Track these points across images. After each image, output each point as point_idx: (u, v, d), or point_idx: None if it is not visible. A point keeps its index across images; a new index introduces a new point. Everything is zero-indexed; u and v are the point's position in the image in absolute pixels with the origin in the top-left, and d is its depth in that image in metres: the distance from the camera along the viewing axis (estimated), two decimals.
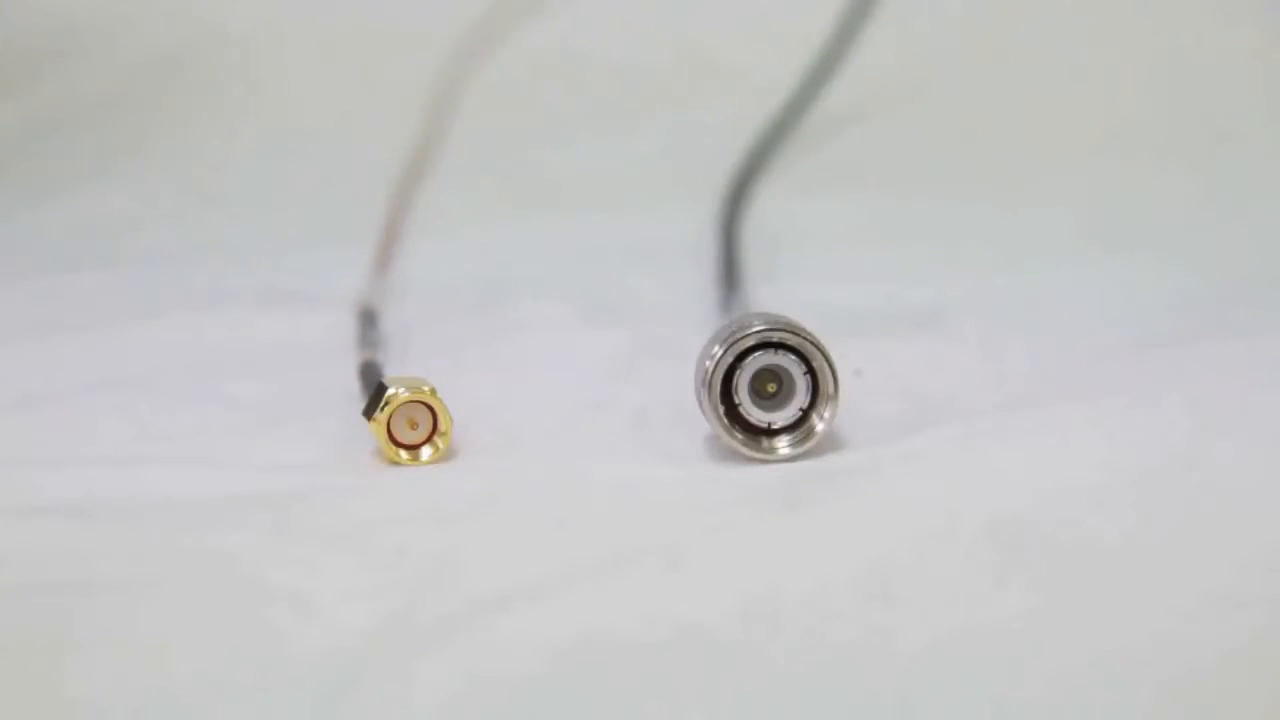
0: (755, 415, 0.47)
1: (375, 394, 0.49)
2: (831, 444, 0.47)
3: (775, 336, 0.47)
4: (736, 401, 0.47)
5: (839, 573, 0.40)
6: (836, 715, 0.36)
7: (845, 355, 0.47)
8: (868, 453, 0.47)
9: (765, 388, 0.47)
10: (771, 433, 0.47)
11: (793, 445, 0.47)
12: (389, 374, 0.51)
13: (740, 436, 0.47)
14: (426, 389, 0.48)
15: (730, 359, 0.47)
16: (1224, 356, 0.52)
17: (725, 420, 0.47)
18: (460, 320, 0.62)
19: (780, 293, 0.59)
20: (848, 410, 0.47)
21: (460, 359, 0.57)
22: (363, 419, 0.49)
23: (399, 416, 0.48)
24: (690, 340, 0.49)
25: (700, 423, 0.48)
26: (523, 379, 0.56)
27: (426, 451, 0.48)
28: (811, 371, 0.47)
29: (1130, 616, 0.38)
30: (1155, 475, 0.43)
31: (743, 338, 0.47)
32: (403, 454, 0.48)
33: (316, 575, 0.41)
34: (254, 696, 0.37)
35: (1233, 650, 0.37)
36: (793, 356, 0.47)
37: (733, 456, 0.47)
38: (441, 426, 0.48)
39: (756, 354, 0.47)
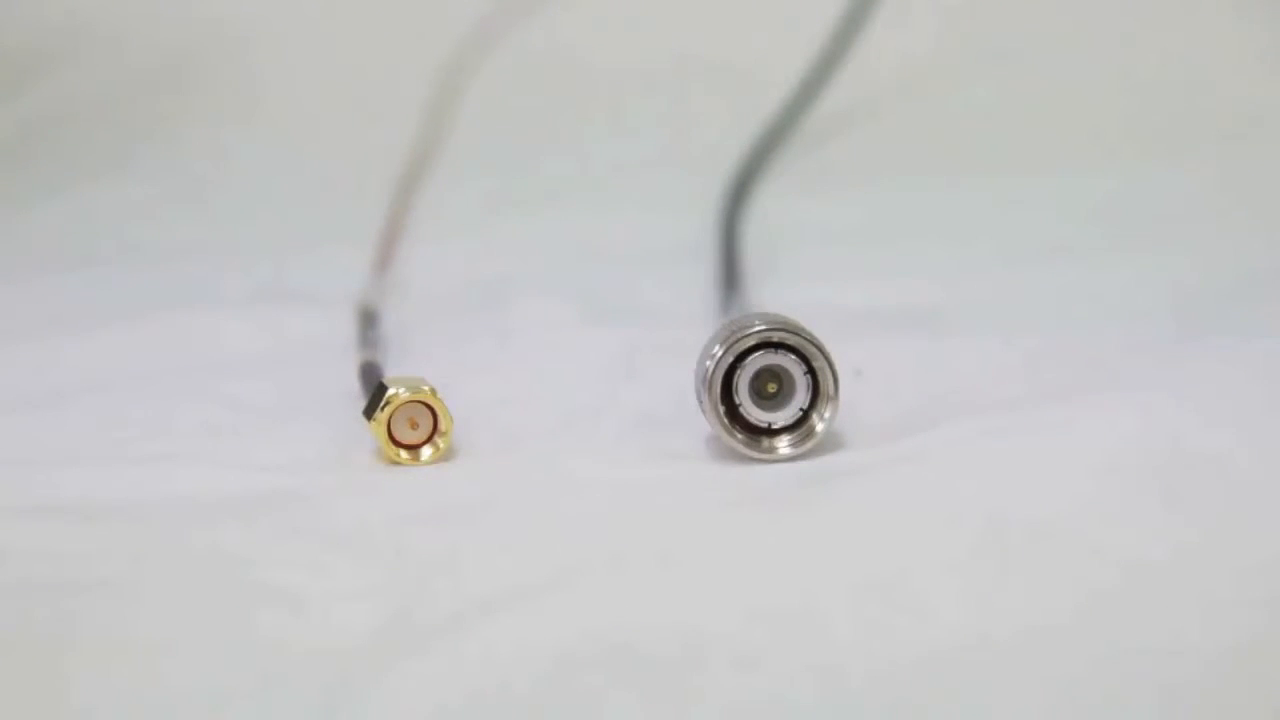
0: (755, 415, 0.47)
1: (375, 394, 0.49)
2: (832, 444, 0.47)
3: (775, 336, 0.47)
4: (737, 401, 0.47)
5: (839, 573, 0.40)
6: (835, 717, 0.36)
7: (845, 355, 0.47)
8: (868, 453, 0.47)
9: (765, 388, 0.47)
10: (772, 433, 0.47)
11: (793, 445, 0.47)
12: (389, 374, 0.51)
13: (740, 436, 0.47)
14: (426, 389, 0.48)
15: (730, 359, 0.47)
16: (1225, 355, 0.52)
17: (725, 420, 0.47)
18: (460, 320, 0.62)
19: (780, 292, 0.59)
20: (848, 410, 0.47)
21: (460, 359, 0.57)
22: (363, 419, 0.49)
23: (399, 416, 0.48)
24: (690, 340, 0.49)
25: (700, 423, 0.48)
26: (523, 379, 0.56)
27: (426, 451, 0.48)
28: (812, 371, 0.47)
29: (1131, 618, 0.38)
30: (1156, 476, 0.43)
31: (743, 338, 0.47)
32: (403, 454, 0.48)
33: (316, 575, 0.41)
34: (253, 697, 0.37)
35: (1235, 653, 0.36)
36: (793, 356, 0.47)
37: (733, 456, 0.47)
38: (442, 426, 0.48)
39: (757, 354, 0.47)
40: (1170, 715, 0.35)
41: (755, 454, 0.47)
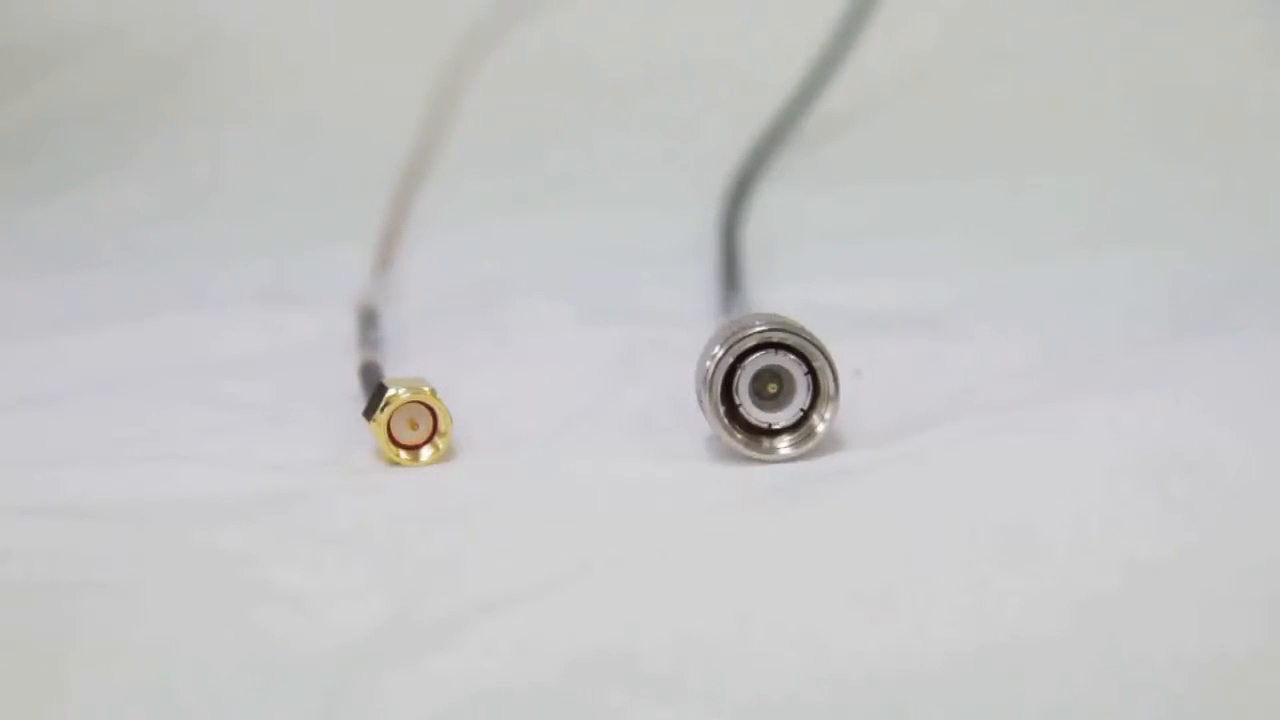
0: (756, 415, 0.47)
1: (375, 394, 0.49)
2: (832, 444, 0.47)
3: (776, 337, 0.47)
4: (737, 402, 0.47)
5: (839, 575, 0.40)
6: None
7: (846, 355, 0.47)
8: (868, 453, 0.47)
9: (766, 388, 0.47)
10: (772, 433, 0.47)
11: (793, 446, 0.47)
12: (389, 374, 0.51)
13: (741, 437, 0.47)
14: (426, 389, 0.48)
15: (731, 359, 0.47)
16: (1227, 353, 0.52)
17: (726, 420, 0.47)
18: (460, 320, 0.62)
19: (781, 292, 0.59)
20: (848, 410, 0.47)
21: (460, 359, 0.57)
22: (363, 419, 0.49)
23: (399, 417, 0.48)
24: (691, 340, 0.49)
25: (701, 423, 0.48)
26: (523, 379, 0.56)
27: (426, 452, 0.49)
28: (812, 372, 0.47)
29: (1131, 620, 0.38)
30: (1156, 476, 0.43)
31: (743, 338, 0.47)
32: (402, 454, 0.48)
33: (316, 576, 0.41)
34: (253, 697, 0.37)
35: (1237, 655, 0.36)
36: (793, 357, 0.47)
37: (733, 457, 0.47)
38: (441, 427, 0.48)
39: (757, 354, 0.47)
40: (1170, 718, 0.35)
41: (755, 454, 0.47)
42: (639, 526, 0.43)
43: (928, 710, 0.36)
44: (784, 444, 0.47)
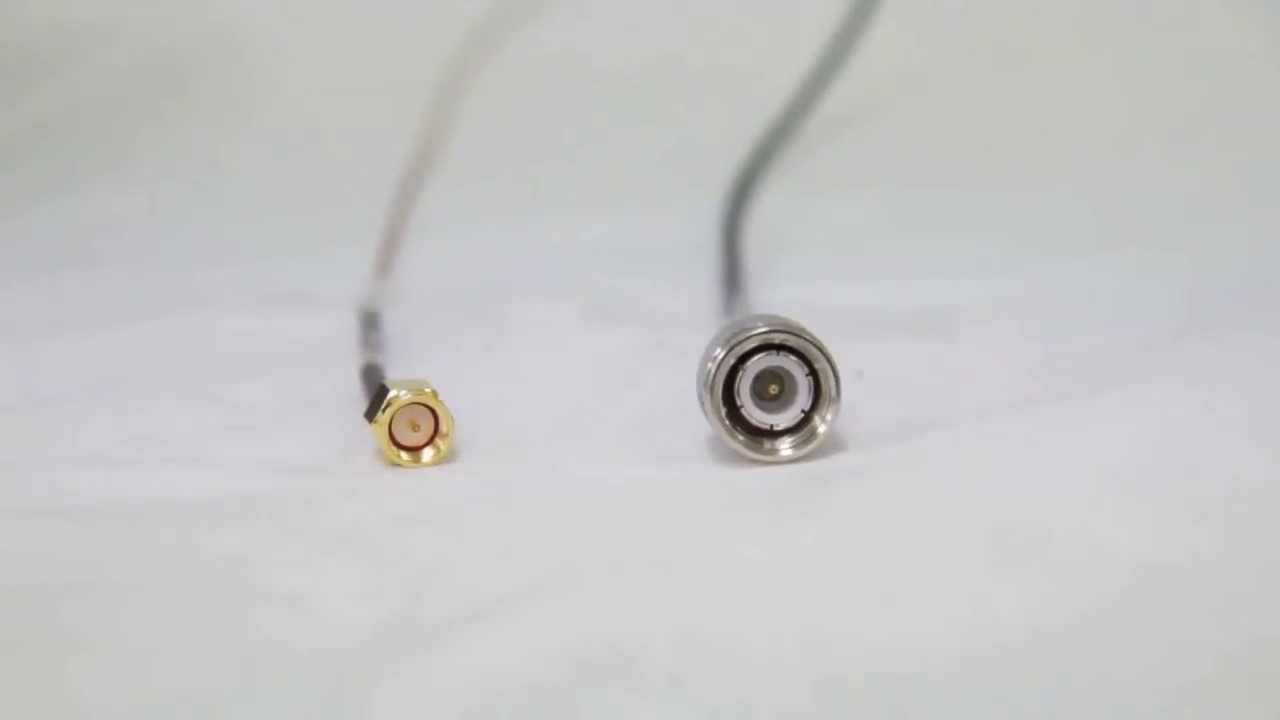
0: (757, 417, 0.47)
1: (376, 396, 0.49)
2: (833, 446, 0.47)
3: (777, 338, 0.46)
4: (738, 403, 0.47)
5: (840, 574, 0.40)
6: None
7: (847, 357, 0.47)
8: (870, 455, 0.47)
9: (767, 389, 0.47)
10: (773, 434, 0.47)
11: (795, 447, 0.47)
12: (390, 376, 0.51)
13: (742, 438, 0.47)
14: (428, 391, 0.48)
15: (732, 361, 0.46)
16: (1231, 354, 0.52)
17: (727, 422, 0.47)
18: (462, 322, 0.62)
19: (782, 294, 0.59)
20: (850, 412, 0.47)
21: (462, 360, 0.57)
22: (364, 421, 0.49)
23: (400, 418, 0.48)
24: (692, 341, 0.49)
25: (702, 424, 0.48)
26: (524, 380, 0.56)
27: (428, 453, 0.48)
28: (813, 373, 0.47)
29: (1133, 621, 0.38)
30: (1160, 477, 0.43)
31: (745, 339, 0.46)
32: (404, 456, 0.48)
33: (317, 577, 0.41)
34: (253, 698, 0.37)
35: (1245, 659, 0.36)
36: (794, 358, 0.47)
37: (734, 458, 0.47)
38: (443, 428, 0.48)
39: (758, 356, 0.47)
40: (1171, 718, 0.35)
41: (757, 455, 0.47)
42: (640, 528, 0.43)
43: (928, 710, 0.36)
44: (785, 445, 0.47)
